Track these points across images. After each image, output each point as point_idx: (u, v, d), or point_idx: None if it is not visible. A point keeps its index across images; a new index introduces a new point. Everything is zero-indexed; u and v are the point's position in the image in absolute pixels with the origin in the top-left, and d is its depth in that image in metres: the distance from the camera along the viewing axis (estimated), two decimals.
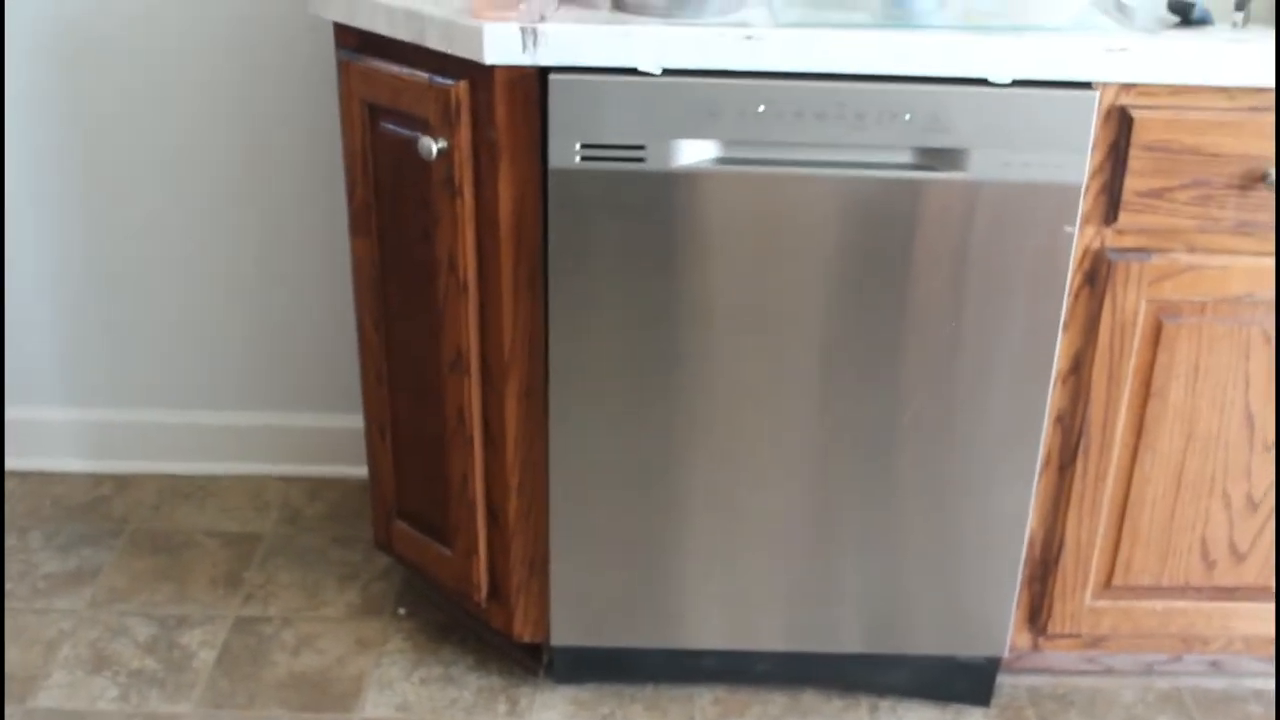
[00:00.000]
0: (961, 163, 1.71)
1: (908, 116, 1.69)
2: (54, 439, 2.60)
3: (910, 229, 1.75)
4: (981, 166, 1.71)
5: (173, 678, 2.11)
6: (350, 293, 2.06)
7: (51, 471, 2.61)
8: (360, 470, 2.48)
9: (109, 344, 2.55)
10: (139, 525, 2.48)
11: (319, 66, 2.31)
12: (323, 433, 2.61)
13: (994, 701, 2.10)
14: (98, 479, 2.61)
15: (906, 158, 1.72)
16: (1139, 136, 1.71)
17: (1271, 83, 1.69)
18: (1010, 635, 2.01)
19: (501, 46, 1.66)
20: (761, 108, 1.68)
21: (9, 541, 2.41)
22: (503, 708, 2.07)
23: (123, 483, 2.60)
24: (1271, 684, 2.16)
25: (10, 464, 2.60)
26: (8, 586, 2.30)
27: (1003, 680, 2.13)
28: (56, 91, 2.36)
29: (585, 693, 2.10)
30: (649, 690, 2.11)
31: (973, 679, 2.09)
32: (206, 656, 2.16)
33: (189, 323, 2.54)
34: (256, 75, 2.35)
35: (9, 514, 2.49)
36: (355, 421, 2.39)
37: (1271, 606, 2.00)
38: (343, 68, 1.87)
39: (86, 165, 2.42)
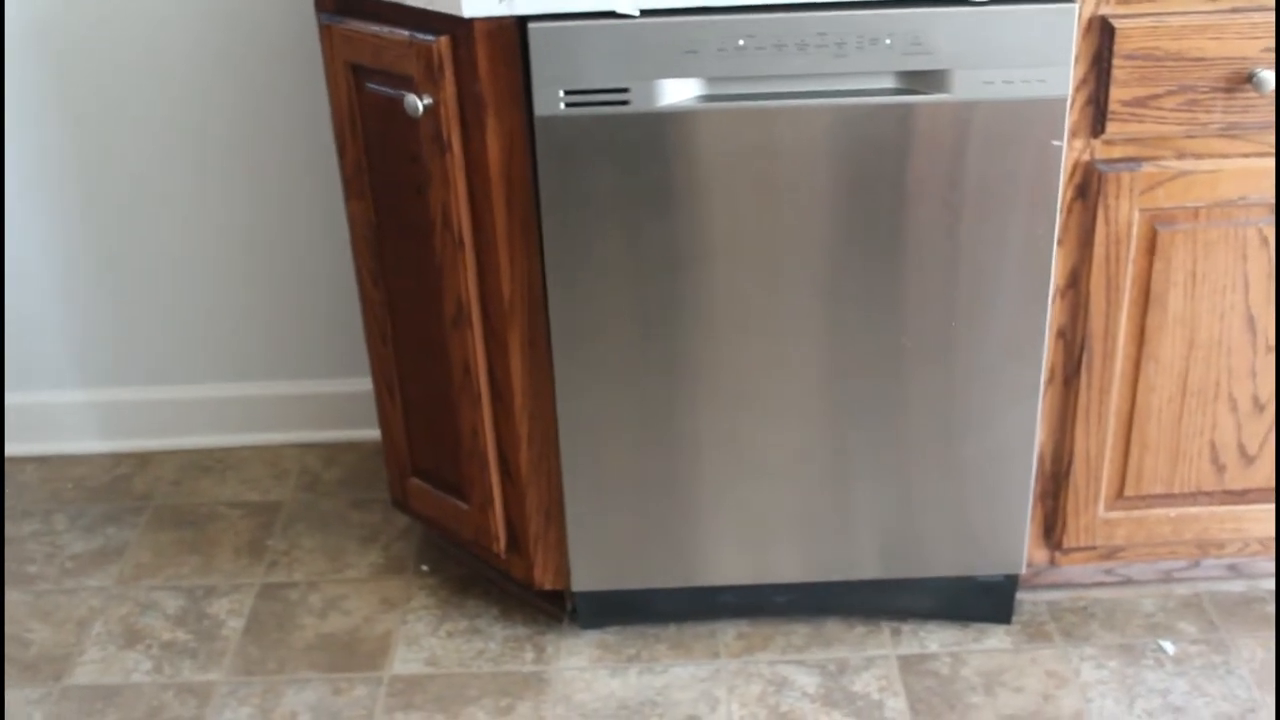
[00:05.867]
0: (945, 84, 1.71)
1: (888, 41, 1.68)
2: (71, 422, 2.63)
3: (900, 153, 1.75)
4: (965, 86, 1.70)
5: (204, 647, 2.14)
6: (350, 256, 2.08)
7: (71, 454, 2.64)
8: (374, 433, 2.50)
9: (118, 324, 2.57)
10: (161, 501, 2.51)
11: (302, 32, 2.31)
12: (335, 398, 2.63)
13: (1015, 619, 2.12)
14: (117, 458, 2.64)
15: (890, 83, 1.72)
16: (1121, 46, 1.71)
17: None
18: (1026, 552, 2.03)
19: None
20: (741, 42, 1.68)
21: (33, 526, 2.44)
22: (530, 655, 2.10)
23: (142, 460, 2.63)
24: None
25: (30, 448, 2.63)
26: (35, 569, 2.33)
27: (1023, 597, 2.14)
28: (45, 81, 2.37)
29: (610, 636, 2.13)
30: (672, 629, 2.13)
31: (993, 598, 2.10)
32: (235, 625, 2.19)
33: (196, 298, 2.56)
34: (242, 47, 2.35)
35: (32, 499, 2.52)
36: (366, 385, 2.41)
37: None
38: (324, 31, 1.87)
39: (82, 149, 2.43)
